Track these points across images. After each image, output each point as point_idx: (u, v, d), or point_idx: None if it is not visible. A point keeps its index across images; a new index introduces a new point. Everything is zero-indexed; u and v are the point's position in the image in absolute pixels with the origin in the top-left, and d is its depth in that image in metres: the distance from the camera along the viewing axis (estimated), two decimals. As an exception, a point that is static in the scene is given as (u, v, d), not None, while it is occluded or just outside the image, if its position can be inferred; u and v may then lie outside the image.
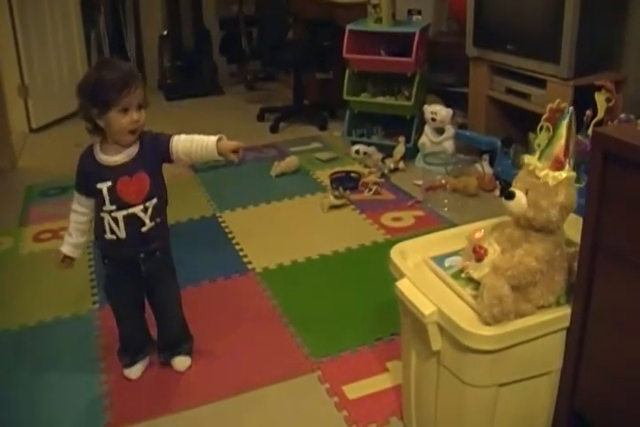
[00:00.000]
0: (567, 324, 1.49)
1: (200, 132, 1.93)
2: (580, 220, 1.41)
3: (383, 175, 3.65)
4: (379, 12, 3.86)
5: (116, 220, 1.88)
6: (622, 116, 2.68)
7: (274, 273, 2.75)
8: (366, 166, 3.81)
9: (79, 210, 1.96)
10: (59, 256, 2.02)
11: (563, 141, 1.49)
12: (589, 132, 2.62)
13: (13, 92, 4.54)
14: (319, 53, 4.71)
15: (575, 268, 1.49)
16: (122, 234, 1.90)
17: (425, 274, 1.68)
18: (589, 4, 2.90)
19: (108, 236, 1.92)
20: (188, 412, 2.00)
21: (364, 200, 3.41)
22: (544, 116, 2.42)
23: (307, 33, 4.96)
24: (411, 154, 3.87)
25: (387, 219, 3.20)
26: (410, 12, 4.24)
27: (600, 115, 2.75)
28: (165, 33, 5.79)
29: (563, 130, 1.50)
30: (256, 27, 5.12)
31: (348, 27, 3.95)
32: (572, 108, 1.55)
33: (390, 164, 3.74)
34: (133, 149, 1.87)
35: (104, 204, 1.87)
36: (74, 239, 1.99)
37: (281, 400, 2.02)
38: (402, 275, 1.64)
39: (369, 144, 4.00)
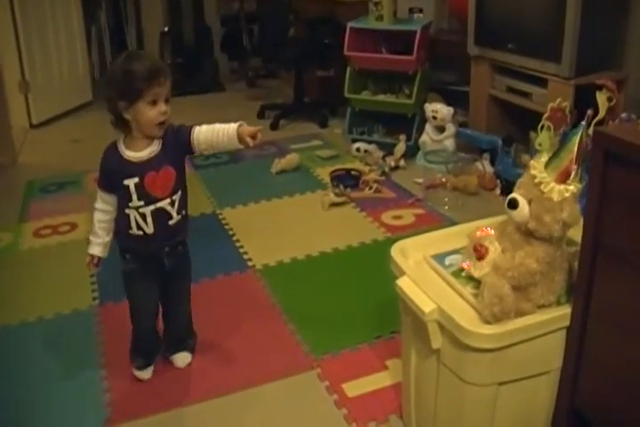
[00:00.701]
0: (567, 323, 1.49)
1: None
2: (581, 219, 1.42)
3: (384, 173, 3.66)
4: (380, 9, 3.86)
5: (143, 215, 1.87)
6: (623, 115, 2.67)
7: (274, 270, 2.76)
8: (367, 164, 3.81)
9: (104, 208, 1.92)
10: (92, 260, 1.97)
11: (573, 157, 1.48)
12: (590, 131, 2.62)
13: (14, 88, 4.54)
14: (320, 51, 4.71)
15: (576, 267, 1.49)
16: (149, 229, 1.88)
17: (425, 272, 1.68)
18: (591, 3, 2.90)
19: (134, 231, 1.89)
20: (188, 408, 2.00)
21: (364, 198, 3.41)
22: (545, 115, 2.41)
23: (308, 30, 4.95)
24: (411, 152, 3.87)
25: (387, 217, 3.20)
26: (411, 10, 4.23)
27: (601, 114, 2.74)
28: (166, 29, 5.78)
29: (574, 146, 1.49)
30: (257, 24, 5.11)
31: (350, 24, 3.95)
32: (584, 123, 1.55)
33: (391, 162, 3.75)
34: (158, 144, 1.86)
35: (130, 200, 1.85)
36: (101, 239, 1.95)
37: (280, 398, 2.03)
38: (402, 273, 1.64)
39: (370, 142, 4.00)
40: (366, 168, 3.73)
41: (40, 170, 4.01)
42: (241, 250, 2.93)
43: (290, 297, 2.54)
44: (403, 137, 3.85)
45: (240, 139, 1.86)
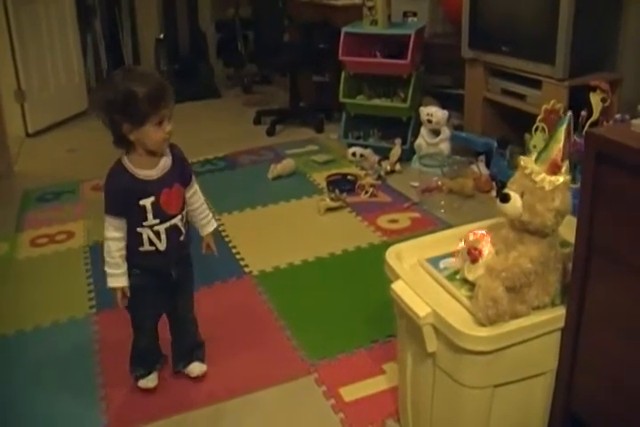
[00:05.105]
0: (562, 324, 1.49)
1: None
2: (575, 220, 1.42)
3: (379, 177, 3.66)
4: (374, 14, 3.87)
5: (157, 233, 1.85)
6: (617, 116, 2.68)
7: (270, 276, 2.75)
8: (362, 169, 3.81)
9: (118, 236, 1.83)
10: (125, 292, 1.88)
11: (560, 146, 1.49)
12: (584, 132, 2.62)
13: (10, 97, 4.55)
14: (315, 56, 4.72)
15: (570, 268, 1.49)
16: (162, 246, 1.87)
17: (420, 276, 1.68)
18: (584, 4, 2.91)
19: (146, 248, 1.86)
20: (185, 415, 1.99)
21: (360, 202, 3.41)
22: (539, 117, 2.43)
23: (303, 35, 4.96)
24: (407, 156, 3.87)
25: (383, 221, 3.20)
26: (405, 14, 4.25)
27: (595, 115, 2.75)
28: (162, 36, 5.79)
29: (561, 135, 1.49)
30: (252, 29, 5.12)
31: (344, 29, 3.96)
32: (570, 113, 1.56)
33: (386, 166, 3.75)
34: (167, 161, 1.84)
35: (145, 219, 1.82)
36: (122, 269, 1.86)
37: (278, 403, 2.02)
38: (397, 277, 1.64)
39: (365, 146, 4.00)
40: (362, 172, 3.73)
41: (36, 179, 4.00)
42: (237, 256, 2.92)
43: (286, 302, 2.54)
44: (398, 141, 3.85)
45: (203, 238, 2.05)
